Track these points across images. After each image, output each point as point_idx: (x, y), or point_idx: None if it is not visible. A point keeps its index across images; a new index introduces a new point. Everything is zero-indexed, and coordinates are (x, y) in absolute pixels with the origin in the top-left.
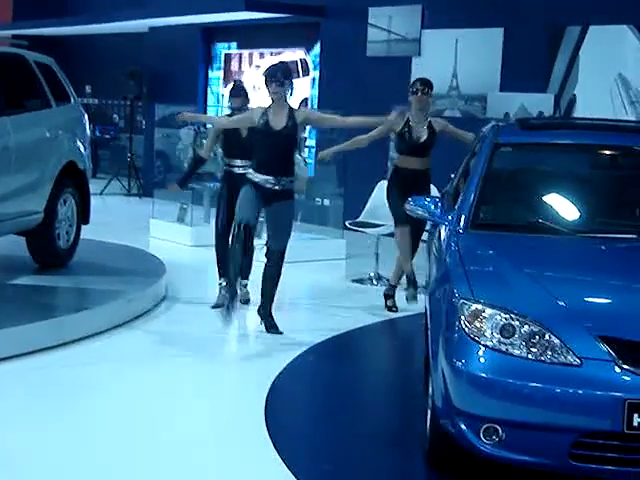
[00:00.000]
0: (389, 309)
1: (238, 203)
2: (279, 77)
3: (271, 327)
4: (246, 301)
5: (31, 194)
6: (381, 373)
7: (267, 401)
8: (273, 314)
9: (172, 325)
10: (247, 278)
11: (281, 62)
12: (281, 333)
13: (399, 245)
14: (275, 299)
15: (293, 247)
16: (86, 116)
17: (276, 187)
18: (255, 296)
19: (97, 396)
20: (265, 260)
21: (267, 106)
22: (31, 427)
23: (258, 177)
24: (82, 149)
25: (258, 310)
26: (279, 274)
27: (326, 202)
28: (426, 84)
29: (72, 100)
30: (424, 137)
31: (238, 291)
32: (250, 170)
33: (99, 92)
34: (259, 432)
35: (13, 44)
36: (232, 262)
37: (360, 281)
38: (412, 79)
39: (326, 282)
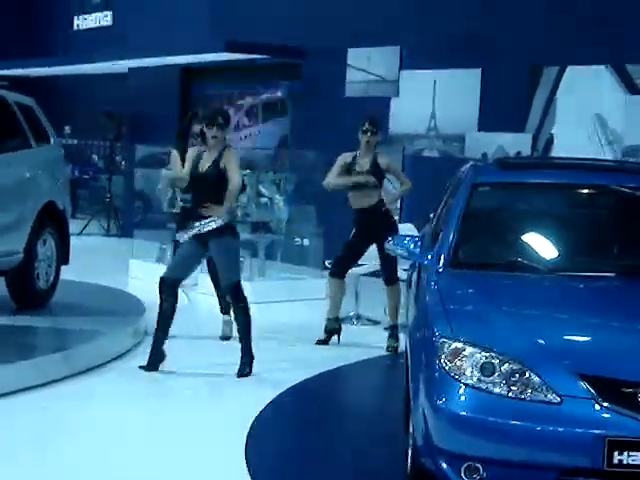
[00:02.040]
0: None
1: (174, 256)
2: (220, 121)
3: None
4: (226, 338)
5: (10, 234)
6: (362, 412)
7: (247, 441)
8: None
9: None
10: (228, 313)
11: (221, 108)
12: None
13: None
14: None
15: (272, 287)
16: (64, 156)
17: (200, 231)
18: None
19: (77, 437)
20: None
21: (200, 151)
22: (7, 467)
23: (189, 222)
24: (61, 189)
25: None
26: (246, 318)
27: (306, 242)
28: (372, 123)
29: (52, 140)
30: (367, 167)
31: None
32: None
33: (78, 132)
34: (240, 473)
35: None
36: (161, 321)
37: (340, 320)
38: (391, 120)
39: (306, 321)
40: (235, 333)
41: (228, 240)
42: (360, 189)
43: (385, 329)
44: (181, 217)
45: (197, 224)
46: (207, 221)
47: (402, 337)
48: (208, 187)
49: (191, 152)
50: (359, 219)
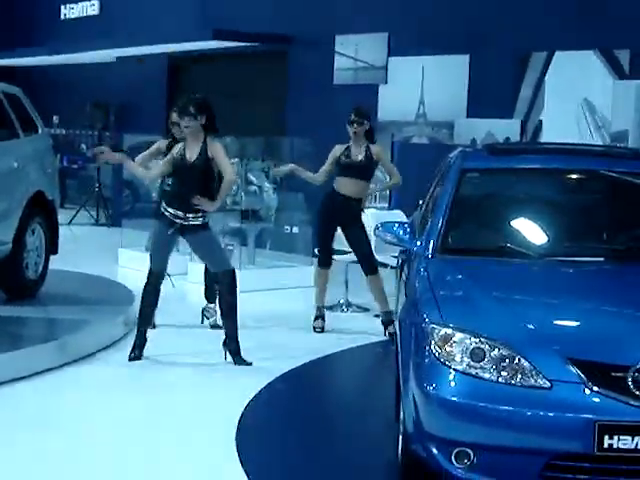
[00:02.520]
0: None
1: (151, 247)
2: (191, 111)
3: (239, 361)
4: (215, 326)
5: None
6: (352, 399)
7: (238, 429)
8: (240, 347)
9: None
10: (214, 302)
11: (197, 96)
12: (250, 364)
13: (316, 284)
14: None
15: (262, 275)
16: (52, 146)
17: (184, 222)
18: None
19: (66, 426)
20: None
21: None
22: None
23: (169, 211)
24: (50, 179)
25: (224, 342)
26: (233, 303)
27: (295, 229)
28: (358, 114)
29: (39, 130)
30: (360, 157)
31: (147, 340)
32: (162, 203)
33: (66, 122)
34: (231, 461)
35: None
36: (143, 310)
37: (330, 308)
38: (379, 107)
39: (296, 309)
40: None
41: (202, 232)
42: (352, 177)
43: (376, 316)
44: (160, 199)
45: (182, 215)
46: (195, 215)
47: None
48: (195, 178)
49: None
50: (329, 203)
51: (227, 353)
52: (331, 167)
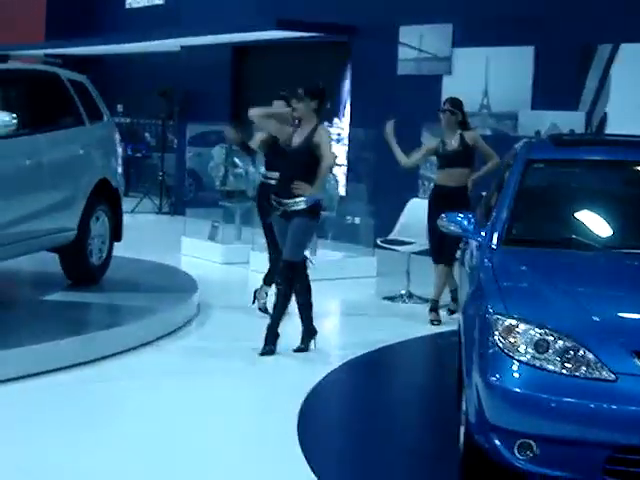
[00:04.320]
0: (432, 322)
1: (277, 236)
2: (299, 93)
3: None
4: (263, 309)
5: (64, 211)
6: (414, 389)
7: (300, 418)
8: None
9: (204, 341)
10: (271, 285)
11: (313, 82)
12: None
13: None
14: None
15: (324, 265)
16: (118, 134)
17: (287, 208)
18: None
19: (129, 412)
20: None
21: (297, 124)
22: (63, 441)
23: (274, 198)
24: (115, 167)
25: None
26: (307, 296)
27: (357, 220)
28: (453, 104)
29: (105, 118)
30: (455, 145)
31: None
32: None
33: (131, 111)
34: (292, 449)
35: (47, 62)
36: (279, 305)
37: (391, 299)
38: (443, 98)
39: (357, 300)
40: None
41: (301, 218)
42: (452, 166)
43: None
44: (259, 193)
45: (286, 202)
46: (297, 200)
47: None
48: (296, 163)
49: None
50: (437, 196)
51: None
52: (422, 158)
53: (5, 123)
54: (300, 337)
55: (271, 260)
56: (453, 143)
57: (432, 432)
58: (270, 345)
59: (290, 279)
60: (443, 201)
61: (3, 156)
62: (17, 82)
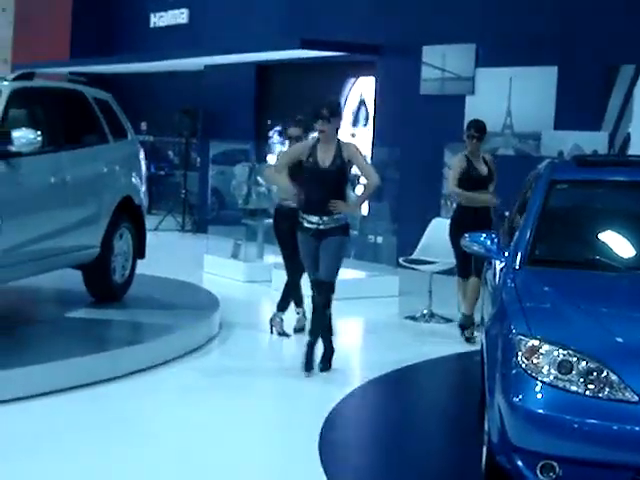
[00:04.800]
0: (467, 340)
1: (302, 256)
2: (325, 114)
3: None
4: (301, 329)
5: (88, 228)
6: (436, 409)
7: (321, 437)
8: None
9: (225, 359)
10: (284, 311)
11: (330, 99)
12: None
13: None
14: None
15: (346, 284)
16: (142, 152)
17: (320, 227)
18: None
19: (151, 429)
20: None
21: (314, 142)
22: (84, 457)
23: (305, 218)
24: (138, 184)
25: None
26: (320, 311)
27: (379, 239)
28: (479, 129)
29: (129, 136)
30: (485, 170)
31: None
32: (300, 212)
33: (154, 129)
34: (314, 468)
35: (71, 80)
36: (314, 322)
37: (413, 318)
38: (466, 118)
39: (379, 319)
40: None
41: (338, 236)
42: (479, 189)
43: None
44: (277, 217)
45: (317, 220)
46: (330, 218)
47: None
48: (329, 182)
49: (300, 146)
50: (463, 217)
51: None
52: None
53: (30, 140)
54: (320, 357)
55: (287, 285)
56: (483, 168)
57: (454, 452)
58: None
59: (331, 300)
60: (471, 221)
61: (28, 173)
62: (42, 100)
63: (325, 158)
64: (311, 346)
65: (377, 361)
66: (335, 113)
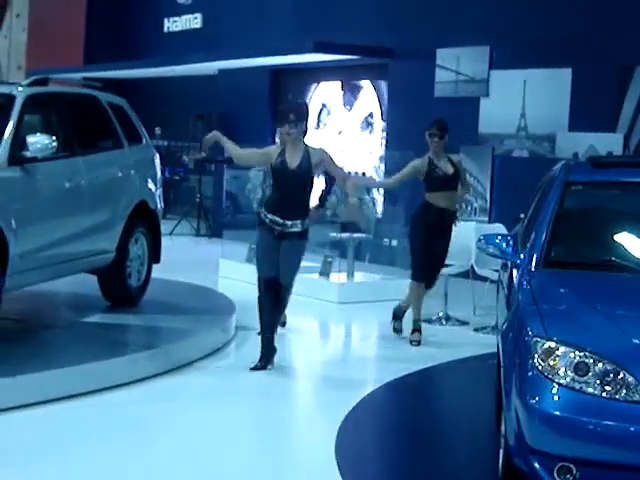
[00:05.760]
0: (395, 330)
1: (256, 254)
2: (292, 118)
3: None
4: (283, 324)
5: (103, 233)
6: (452, 411)
7: (338, 439)
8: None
9: (242, 363)
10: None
11: (297, 102)
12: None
13: (412, 300)
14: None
15: (362, 287)
16: (157, 156)
17: (286, 230)
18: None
19: (167, 433)
20: None
21: (283, 146)
22: (104, 461)
23: (268, 217)
24: (153, 189)
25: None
26: (284, 306)
27: (394, 242)
28: (440, 127)
29: (144, 141)
30: (451, 170)
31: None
32: (262, 209)
33: (169, 134)
34: (330, 471)
35: (86, 85)
36: (261, 318)
37: (429, 321)
38: (480, 120)
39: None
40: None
41: (298, 240)
42: (445, 190)
43: (475, 330)
44: (260, 206)
45: (281, 222)
46: (293, 223)
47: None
48: (296, 185)
49: (274, 148)
50: (430, 217)
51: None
52: (406, 177)
53: (45, 146)
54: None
55: None
56: (448, 167)
57: (471, 454)
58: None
59: (287, 301)
60: (435, 221)
61: (43, 179)
62: (57, 105)
63: (292, 161)
64: (270, 341)
65: (393, 364)
66: (302, 117)
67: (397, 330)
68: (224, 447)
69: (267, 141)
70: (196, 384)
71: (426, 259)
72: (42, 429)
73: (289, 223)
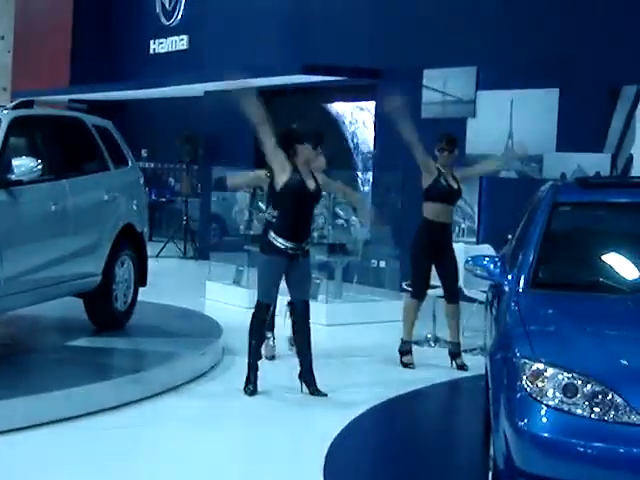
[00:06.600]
0: (405, 365)
1: (258, 276)
2: (319, 142)
3: (315, 391)
4: (272, 357)
5: (89, 256)
6: (440, 434)
7: (326, 464)
8: (315, 377)
9: (228, 387)
10: (272, 330)
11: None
12: (325, 395)
13: (405, 317)
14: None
15: (350, 308)
16: (142, 178)
17: (298, 251)
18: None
19: (153, 458)
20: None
21: (293, 166)
22: None
23: (284, 244)
24: (139, 211)
25: (299, 375)
26: (308, 331)
27: (382, 264)
28: (449, 142)
29: (130, 163)
30: (456, 185)
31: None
32: (272, 234)
33: (155, 156)
34: None
35: (71, 107)
36: (252, 343)
37: (417, 343)
38: (467, 141)
39: (383, 343)
40: (278, 352)
41: (305, 259)
42: (446, 203)
43: (464, 351)
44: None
45: (295, 245)
46: (306, 243)
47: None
48: (312, 206)
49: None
50: (432, 234)
51: (303, 385)
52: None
53: (30, 169)
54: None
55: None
56: (453, 182)
57: (459, 477)
58: (314, 385)
59: (309, 317)
60: (436, 235)
61: (28, 202)
62: (42, 128)
63: (309, 182)
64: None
65: (381, 386)
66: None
67: (408, 364)
68: (210, 472)
69: (253, 163)
70: (183, 408)
71: (427, 278)
72: (27, 453)
73: (304, 245)
